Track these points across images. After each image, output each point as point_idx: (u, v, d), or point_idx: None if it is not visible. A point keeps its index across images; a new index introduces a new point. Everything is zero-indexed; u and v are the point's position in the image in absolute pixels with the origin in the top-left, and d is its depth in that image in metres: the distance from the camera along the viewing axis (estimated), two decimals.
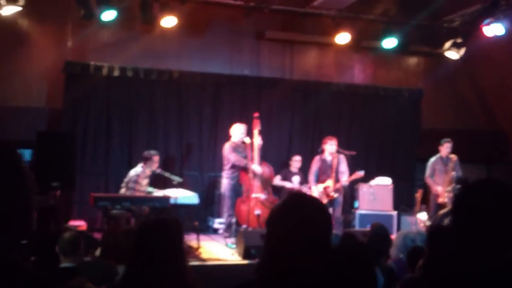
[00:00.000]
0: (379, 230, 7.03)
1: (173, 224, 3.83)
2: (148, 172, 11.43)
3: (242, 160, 11.83)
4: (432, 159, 13.02)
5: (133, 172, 11.30)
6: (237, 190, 12.01)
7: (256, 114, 12.11)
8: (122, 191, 11.27)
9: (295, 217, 2.40)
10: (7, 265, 2.19)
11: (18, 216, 2.25)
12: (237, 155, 11.83)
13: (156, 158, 11.55)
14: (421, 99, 15.45)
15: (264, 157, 12.77)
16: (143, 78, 13.27)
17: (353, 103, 14.99)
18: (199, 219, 12.45)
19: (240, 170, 12.00)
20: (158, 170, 11.62)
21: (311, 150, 13.87)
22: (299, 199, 2.56)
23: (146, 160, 11.43)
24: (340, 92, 14.76)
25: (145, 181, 11.38)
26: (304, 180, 12.93)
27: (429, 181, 13.00)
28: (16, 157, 2.30)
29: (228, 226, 11.87)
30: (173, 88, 13.63)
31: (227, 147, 11.90)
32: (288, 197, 2.58)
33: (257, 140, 11.99)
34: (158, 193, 11.37)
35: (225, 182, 11.95)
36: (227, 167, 11.90)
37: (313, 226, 2.39)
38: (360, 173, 12.38)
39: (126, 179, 11.34)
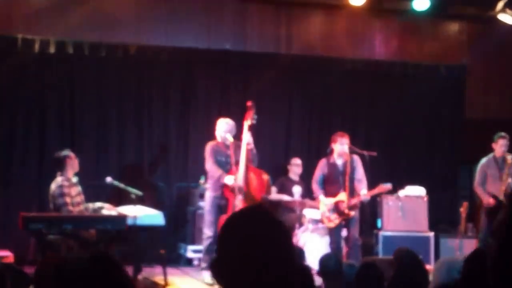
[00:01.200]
0: (407, 259, 6.96)
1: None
2: (72, 178, 11.17)
3: (216, 170, 11.61)
4: (483, 161, 12.89)
5: (53, 185, 11.00)
6: (220, 205, 11.81)
7: (249, 103, 11.94)
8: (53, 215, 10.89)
9: (246, 239, 2.51)
10: None
11: None
12: (214, 163, 11.67)
13: (73, 156, 11.17)
14: (465, 79, 15.61)
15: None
16: (88, 55, 13.45)
17: (373, 86, 15.19)
18: (166, 245, 12.59)
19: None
20: (109, 180, 11.56)
21: (315, 151, 14.08)
22: (251, 215, 2.64)
23: (59, 164, 11.14)
24: (355, 71, 14.97)
25: (75, 190, 11.16)
26: (307, 191, 12.85)
27: (478, 190, 12.86)
28: None
29: (207, 252, 11.63)
30: (130, 68, 13.84)
31: (207, 149, 11.79)
32: (240, 213, 2.69)
33: (247, 138, 11.71)
34: (111, 211, 11.23)
35: (207, 195, 11.88)
36: (209, 175, 11.89)
37: (267, 249, 2.49)
38: (387, 186, 12.22)
39: (49, 198, 11.08)
